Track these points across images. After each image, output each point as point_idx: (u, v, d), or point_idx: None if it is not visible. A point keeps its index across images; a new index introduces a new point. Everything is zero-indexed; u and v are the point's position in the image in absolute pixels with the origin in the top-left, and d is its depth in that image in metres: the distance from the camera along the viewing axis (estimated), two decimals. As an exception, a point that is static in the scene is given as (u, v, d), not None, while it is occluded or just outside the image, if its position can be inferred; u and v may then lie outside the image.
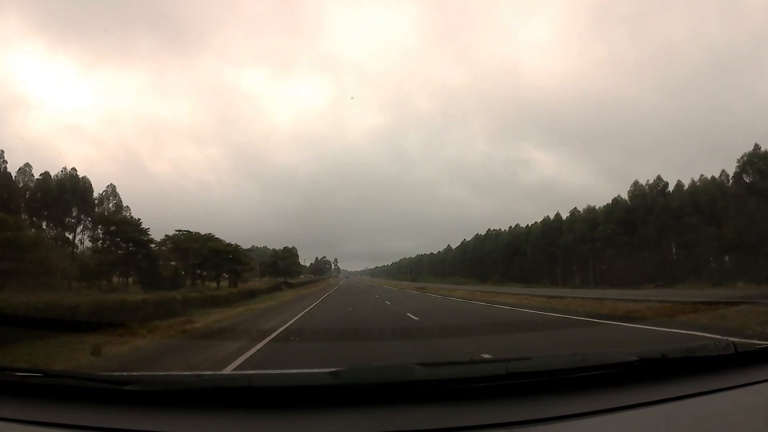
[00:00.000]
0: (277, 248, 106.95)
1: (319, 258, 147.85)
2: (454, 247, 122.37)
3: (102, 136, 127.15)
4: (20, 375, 1.61)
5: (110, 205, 55.51)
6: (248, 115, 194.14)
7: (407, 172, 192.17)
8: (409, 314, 16.52)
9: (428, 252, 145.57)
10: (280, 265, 69.15)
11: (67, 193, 50.27)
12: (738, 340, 1.87)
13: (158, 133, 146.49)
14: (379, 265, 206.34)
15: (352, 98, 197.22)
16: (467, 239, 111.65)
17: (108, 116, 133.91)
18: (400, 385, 1.54)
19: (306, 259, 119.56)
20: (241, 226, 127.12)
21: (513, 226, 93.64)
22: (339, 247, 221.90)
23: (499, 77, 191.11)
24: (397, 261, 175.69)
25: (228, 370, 6.23)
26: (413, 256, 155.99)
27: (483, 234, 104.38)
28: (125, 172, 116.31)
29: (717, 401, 1.54)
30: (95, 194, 54.12)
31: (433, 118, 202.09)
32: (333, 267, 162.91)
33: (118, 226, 44.72)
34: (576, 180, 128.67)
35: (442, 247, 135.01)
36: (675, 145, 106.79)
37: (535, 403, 1.49)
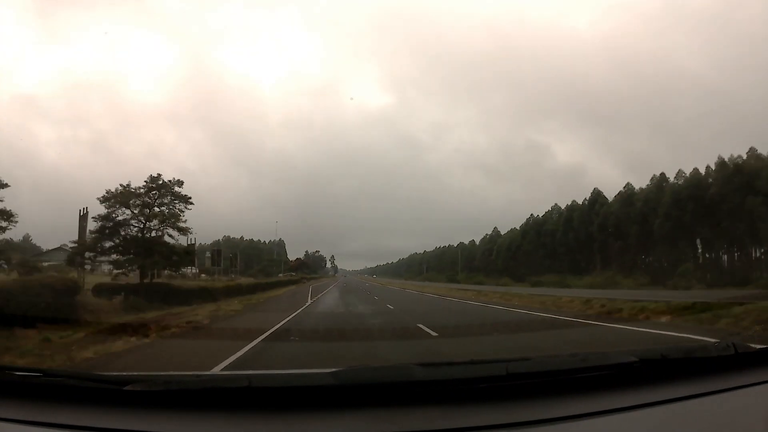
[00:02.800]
0: (269, 240, 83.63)
1: (311, 252, 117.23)
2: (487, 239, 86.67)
3: (58, 112, 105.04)
4: (20, 375, 1.60)
5: None
6: (233, 92, 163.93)
7: (415, 158, 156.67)
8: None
9: (433, 247, 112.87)
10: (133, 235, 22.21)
11: None
12: (738, 341, 1.80)
13: (130, 110, 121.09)
14: (381, 263, 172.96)
15: (351, 99, 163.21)
16: (535, 215, 72.98)
17: (63, 85, 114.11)
18: (400, 385, 1.53)
19: (300, 256, 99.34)
20: (230, 219, 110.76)
21: (677, 179, 48.20)
22: (338, 244, 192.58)
23: (523, 44, 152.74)
24: (406, 257, 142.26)
25: (226, 371, 5.78)
26: (429, 250, 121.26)
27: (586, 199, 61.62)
28: (92, 159, 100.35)
29: (717, 402, 1.53)
30: None
31: (445, 94, 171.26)
32: (330, 265, 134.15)
33: None
34: (610, 165, 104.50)
35: (448, 244, 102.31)
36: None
37: (534, 403, 1.48)
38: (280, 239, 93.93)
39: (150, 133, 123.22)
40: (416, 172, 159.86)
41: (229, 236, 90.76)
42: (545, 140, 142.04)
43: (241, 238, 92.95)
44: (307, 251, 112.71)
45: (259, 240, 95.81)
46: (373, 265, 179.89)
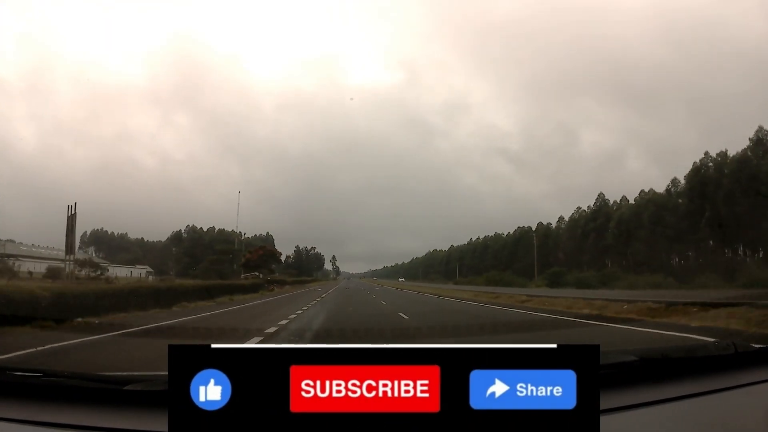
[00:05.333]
0: (257, 234, 65.68)
1: (304, 248, 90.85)
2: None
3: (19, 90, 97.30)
4: (20, 375, 1.61)
5: None
6: (222, 75, 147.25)
7: (425, 146, 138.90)
8: None
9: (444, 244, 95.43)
10: None
11: None
12: (738, 340, 1.83)
13: (108, 94, 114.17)
14: (388, 264, 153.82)
15: (351, 99, 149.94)
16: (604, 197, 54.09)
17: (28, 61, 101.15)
18: None
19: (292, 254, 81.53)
20: (223, 214, 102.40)
21: None
22: (340, 244, 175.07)
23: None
24: (421, 256, 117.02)
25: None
26: (434, 249, 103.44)
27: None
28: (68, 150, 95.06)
29: (717, 401, 1.55)
30: None
31: (459, 70, 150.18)
32: (332, 267, 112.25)
33: None
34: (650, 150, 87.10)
35: (495, 232, 76.57)
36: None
37: None
38: (267, 233, 73.92)
39: (129, 117, 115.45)
40: (427, 163, 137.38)
41: (194, 225, 72.99)
42: (581, 120, 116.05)
43: (211, 228, 72.64)
44: (298, 246, 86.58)
45: (233, 230, 69.72)
46: (379, 267, 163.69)
